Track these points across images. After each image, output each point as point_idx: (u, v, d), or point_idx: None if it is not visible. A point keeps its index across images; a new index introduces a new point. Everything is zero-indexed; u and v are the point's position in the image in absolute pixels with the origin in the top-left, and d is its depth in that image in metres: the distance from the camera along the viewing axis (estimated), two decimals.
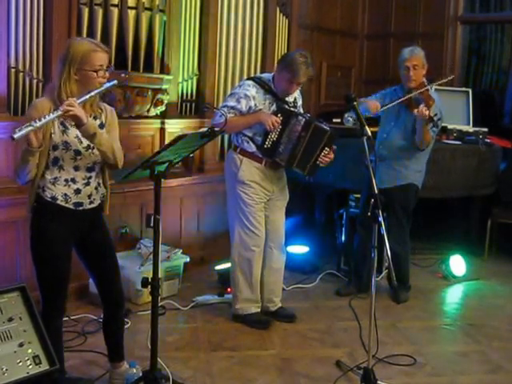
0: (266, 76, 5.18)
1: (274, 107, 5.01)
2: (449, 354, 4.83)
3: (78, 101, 3.41)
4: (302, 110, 5.24)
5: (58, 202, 3.61)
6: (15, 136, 3.20)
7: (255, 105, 4.97)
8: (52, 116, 3.30)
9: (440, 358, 4.76)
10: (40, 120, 3.25)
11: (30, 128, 3.22)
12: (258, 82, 5.06)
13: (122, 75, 5.33)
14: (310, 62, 4.91)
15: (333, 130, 4.99)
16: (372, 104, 5.50)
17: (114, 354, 4.11)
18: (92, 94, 3.51)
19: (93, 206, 3.74)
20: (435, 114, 5.24)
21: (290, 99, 5.11)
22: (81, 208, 3.68)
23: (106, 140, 3.57)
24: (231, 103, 4.96)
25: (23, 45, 4.98)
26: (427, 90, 5.49)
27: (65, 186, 3.61)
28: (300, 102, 5.28)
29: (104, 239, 3.89)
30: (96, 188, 3.73)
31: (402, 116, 5.59)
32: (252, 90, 4.98)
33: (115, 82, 3.66)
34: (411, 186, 5.73)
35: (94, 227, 3.81)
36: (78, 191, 3.64)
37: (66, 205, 3.63)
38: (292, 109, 5.05)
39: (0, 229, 4.93)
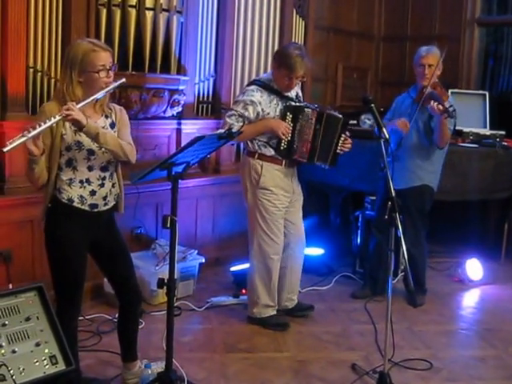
0: (265, 76, 5.18)
1: (280, 106, 4.99)
2: (465, 359, 4.80)
3: (79, 105, 3.41)
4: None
5: (75, 204, 3.61)
6: (5, 149, 3.22)
7: (262, 109, 4.94)
8: (49, 123, 3.30)
9: (456, 362, 4.73)
10: (34, 129, 3.24)
11: (22, 139, 3.22)
12: (259, 84, 5.03)
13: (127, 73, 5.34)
14: (305, 53, 4.92)
15: (345, 116, 5.04)
16: (401, 123, 5.47)
17: (127, 353, 4.12)
18: (95, 97, 3.50)
19: (107, 207, 3.75)
20: (450, 105, 5.22)
21: (292, 94, 5.10)
22: (96, 210, 3.69)
23: (112, 138, 3.56)
24: (239, 111, 4.92)
25: (41, 45, 5.02)
26: (439, 85, 5.49)
27: (80, 187, 3.62)
28: (301, 95, 5.26)
29: (117, 239, 3.90)
30: (110, 190, 3.74)
31: (412, 114, 5.56)
32: (256, 94, 4.95)
33: (123, 80, 3.67)
34: (426, 188, 5.70)
35: (107, 228, 3.82)
36: (93, 193, 3.65)
37: (82, 206, 3.63)
38: (298, 104, 5.04)
39: (17, 228, 4.95)
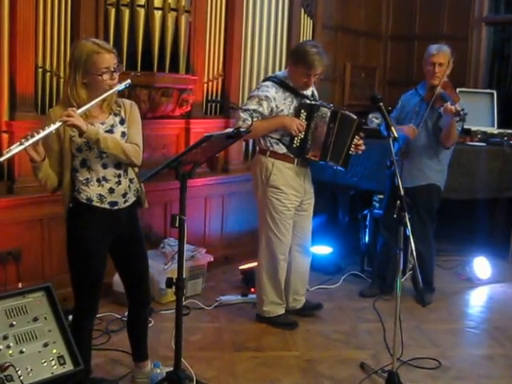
0: (281, 73, 5.15)
1: (294, 104, 4.97)
2: (474, 358, 4.80)
3: (80, 110, 3.39)
4: None
5: (94, 202, 3.62)
6: (1, 159, 3.21)
7: (276, 106, 4.91)
8: (47, 130, 3.28)
9: (465, 361, 4.73)
10: (33, 136, 3.23)
11: (19, 148, 3.21)
12: (275, 80, 5.01)
13: (132, 74, 5.31)
14: (323, 51, 4.88)
15: (359, 117, 5.03)
16: (409, 130, 5.47)
17: (138, 353, 4.13)
18: (95, 101, 3.49)
19: (128, 204, 3.75)
20: (462, 109, 5.20)
21: (308, 93, 5.08)
22: (116, 207, 3.69)
23: (113, 142, 3.53)
24: (253, 106, 4.88)
25: (50, 45, 5.03)
26: (451, 86, 5.49)
27: (98, 186, 3.61)
28: (316, 94, 5.25)
29: (137, 239, 3.90)
30: (129, 186, 3.73)
31: (422, 114, 5.56)
32: (271, 90, 4.92)
33: (128, 81, 3.64)
34: (433, 187, 5.69)
35: (129, 227, 3.82)
36: (111, 190, 3.65)
37: (102, 205, 3.64)
38: (313, 102, 5.02)
39: (26, 227, 4.97)
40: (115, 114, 3.70)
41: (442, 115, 5.44)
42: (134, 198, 3.79)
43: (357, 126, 4.97)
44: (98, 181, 3.61)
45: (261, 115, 4.88)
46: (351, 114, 5.00)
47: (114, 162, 3.64)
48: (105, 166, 3.62)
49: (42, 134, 3.27)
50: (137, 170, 3.80)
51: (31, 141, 3.23)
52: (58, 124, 3.31)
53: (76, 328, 3.78)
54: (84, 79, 3.51)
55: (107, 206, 3.65)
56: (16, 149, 3.20)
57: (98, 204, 3.62)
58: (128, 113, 3.75)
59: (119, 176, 3.67)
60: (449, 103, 5.21)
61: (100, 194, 3.62)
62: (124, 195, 3.70)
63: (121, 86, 3.59)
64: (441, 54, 5.54)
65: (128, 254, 3.87)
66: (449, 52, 5.57)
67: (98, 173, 3.61)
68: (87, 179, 3.60)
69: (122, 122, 3.70)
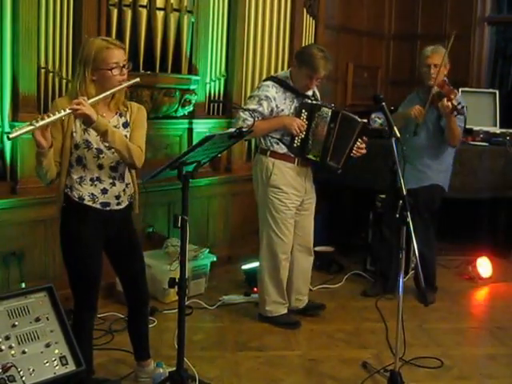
0: (283, 73, 5.16)
1: (295, 104, 4.98)
2: (476, 357, 4.80)
3: (90, 101, 3.38)
4: None
5: (86, 201, 3.60)
6: (11, 135, 3.18)
7: (276, 106, 4.92)
8: (58, 115, 3.27)
9: (467, 360, 4.72)
10: (43, 119, 3.21)
11: (29, 128, 3.18)
12: (276, 80, 5.01)
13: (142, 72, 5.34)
14: (328, 56, 4.89)
15: (363, 120, 5.02)
16: (415, 110, 5.45)
17: (140, 352, 4.13)
18: (106, 94, 3.48)
19: (120, 207, 3.73)
20: (459, 103, 5.20)
21: (309, 93, 5.08)
22: (108, 208, 3.67)
23: (120, 138, 3.52)
24: (252, 106, 4.89)
25: (53, 45, 5.03)
26: (446, 83, 5.48)
27: (91, 185, 3.61)
28: (318, 95, 5.25)
29: (131, 239, 3.89)
30: (124, 190, 3.73)
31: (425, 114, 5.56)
32: (272, 90, 4.93)
33: (137, 79, 3.64)
34: (436, 187, 5.69)
35: (122, 227, 3.80)
36: (104, 191, 3.64)
37: (94, 205, 3.62)
38: (314, 102, 5.03)
39: (29, 227, 4.98)
40: (120, 115, 3.69)
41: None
42: (128, 202, 3.78)
43: (361, 129, 4.95)
44: (92, 180, 3.60)
45: (261, 115, 4.88)
46: (355, 117, 4.98)
47: (110, 164, 3.63)
48: (100, 167, 3.61)
49: (52, 117, 3.24)
50: (134, 174, 3.79)
51: (41, 122, 3.20)
52: (68, 111, 3.29)
53: (76, 328, 3.78)
54: (93, 76, 3.51)
55: (99, 207, 3.64)
56: (26, 128, 3.18)
57: (90, 203, 3.61)
58: (134, 116, 3.74)
59: (114, 178, 3.67)
60: (444, 100, 5.22)
61: (92, 194, 3.61)
62: (117, 197, 3.69)
63: (129, 83, 3.58)
64: (435, 55, 5.54)
65: (122, 253, 3.87)
66: (444, 52, 5.56)
67: (93, 173, 3.61)
68: (81, 177, 3.59)
69: (125, 125, 3.69)
